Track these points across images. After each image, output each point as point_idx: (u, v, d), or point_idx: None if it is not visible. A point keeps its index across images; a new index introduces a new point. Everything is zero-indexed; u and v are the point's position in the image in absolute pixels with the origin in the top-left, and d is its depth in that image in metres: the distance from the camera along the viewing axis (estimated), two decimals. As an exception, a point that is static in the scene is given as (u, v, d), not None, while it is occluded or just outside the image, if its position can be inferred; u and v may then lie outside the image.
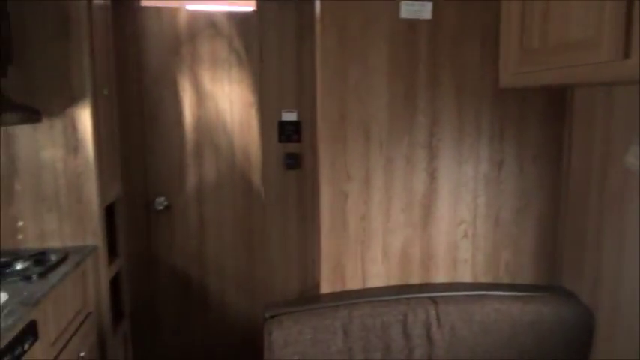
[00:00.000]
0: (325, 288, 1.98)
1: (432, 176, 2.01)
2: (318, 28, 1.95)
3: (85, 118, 2.09)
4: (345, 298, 1.90)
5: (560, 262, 2.06)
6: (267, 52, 2.75)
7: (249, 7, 2.74)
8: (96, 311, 2.16)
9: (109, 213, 2.37)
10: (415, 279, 2.04)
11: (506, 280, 2.09)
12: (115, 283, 2.41)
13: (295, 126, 2.81)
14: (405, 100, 1.96)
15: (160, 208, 2.76)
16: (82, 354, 1.93)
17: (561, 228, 2.05)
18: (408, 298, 1.89)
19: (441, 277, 2.06)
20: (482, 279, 2.08)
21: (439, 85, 1.97)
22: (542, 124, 2.02)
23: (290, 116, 2.81)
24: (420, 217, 2.02)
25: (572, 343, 1.88)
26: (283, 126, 2.80)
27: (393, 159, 1.98)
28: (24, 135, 2.07)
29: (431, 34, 1.93)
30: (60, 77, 2.04)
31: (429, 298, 1.90)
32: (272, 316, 1.81)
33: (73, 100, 2.07)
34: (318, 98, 1.96)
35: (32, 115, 1.95)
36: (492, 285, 2.06)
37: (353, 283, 2.00)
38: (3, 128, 2.04)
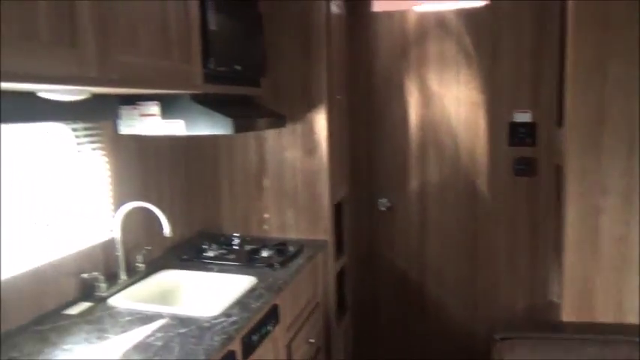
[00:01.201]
0: (568, 315, 1.74)
1: None
2: (570, 18, 1.71)
3: (321, 122, 2.27)
4: (595, 331, 1.64)
5: None
6: (500, 48, 2.55)
7: (481, 2, 2.57)
8: (323, 302, 2.32)
9: (337, 211, 2.52)
10: (692, 321, 1.65)
11: None
12: (339, 278, 2.55)
13: (529, 128, 2.55)
14: (689, 97, 1.58)
15: (383, 208, 2.82)
16: (312, 340, 2.09)
17: None
18: (682, 345, 1.53)
19: None
20: None
21: None
22: None
23: (523, 117, 2.55)
24: None
25: None
26: (515, 128, 2.57)
27: (668, 170, 1.62)
28: (271, 138, 2.34)
29: None
30: (301, 87, 2.27)
31: None
32: (503, 339, 1.66)
33: (311, 107, 2.27)
34: (568, 98, 1.72)
35: (279, 121, 2.20)
36: None
37: (604, 315, 1.71)
38: (256, 132, 2.34)
